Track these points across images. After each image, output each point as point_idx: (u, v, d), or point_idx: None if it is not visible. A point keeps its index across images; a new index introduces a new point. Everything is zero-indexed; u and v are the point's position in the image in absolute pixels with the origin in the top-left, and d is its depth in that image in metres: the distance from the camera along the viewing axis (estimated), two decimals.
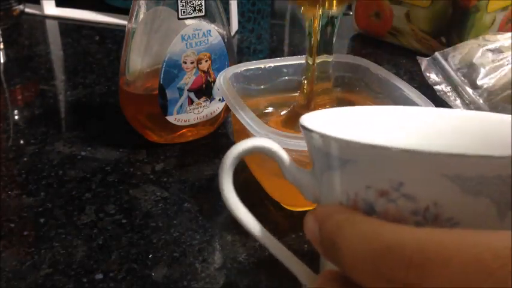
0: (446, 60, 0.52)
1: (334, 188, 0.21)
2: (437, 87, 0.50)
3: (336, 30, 0.38)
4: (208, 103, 0.45)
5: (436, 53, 0.53)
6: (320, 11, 0.36)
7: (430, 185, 0.18)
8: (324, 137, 0.20)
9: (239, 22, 0.74)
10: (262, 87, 0.44)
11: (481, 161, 0.17)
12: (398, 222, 0.18)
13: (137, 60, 0.43)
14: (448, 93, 0.50)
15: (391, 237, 0.17)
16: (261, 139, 0.24)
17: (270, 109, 0.44)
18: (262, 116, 0.42)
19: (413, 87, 0.40)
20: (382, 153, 0.18)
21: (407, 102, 0.39)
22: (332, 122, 0.26)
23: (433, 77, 0.51)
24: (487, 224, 0.18)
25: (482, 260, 0.15)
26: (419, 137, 0.27)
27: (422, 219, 0.19)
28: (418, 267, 0.16)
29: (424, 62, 0.53)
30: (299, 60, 0.45)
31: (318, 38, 0.38)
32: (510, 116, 0.25)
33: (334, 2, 0.36)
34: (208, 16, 0.42)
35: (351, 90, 0.45)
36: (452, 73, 0.51)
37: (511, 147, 0.24)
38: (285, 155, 0.24)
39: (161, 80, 0.42)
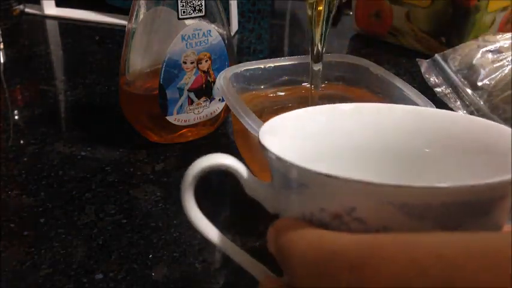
0: (446, 62, 0.52)
1: (291, 206, 0.22)
2: (437, 89, 0.50)
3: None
4: (208, 103, 0.45)
5: (436, 55, 0.53)
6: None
7: (379, 211, 0.19)
8: (280, 160, 0.21)
9: (239, 22, 0.74)
10: (262, 87, 0.44)
11: (425, 191, 0.18)
12: None
13: (137, 60, 0.43)
14: (448, 95, 0.50)
15: (335, 243, 0.18)
16: (219, 156, 0.24)
17: (270, 109, 0.44)
18: (262, 116, 0.42)
19: (413, 87, 0.40)
20: (333, 182, 0.19)
21: (407, 102, 0.39)
22: (294, 128, 0.27)
23: (433, 79, 0.51)
24: None
25: (416, 259, 0.16)
26: (387, 136, 0.28)
27: None
28: (358, 270, 0.17)
29: (424, 64, 0.53)
30: (299, 60, 0.45)
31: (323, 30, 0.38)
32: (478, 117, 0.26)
33: None
34: (208, 16, 0.42)
35: (351, 89, 0.45)
36: (452, 75, 0.51)
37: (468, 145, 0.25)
38: (243, 169, 0.24)
39: (161, 80, 0.42)
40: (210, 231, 0.26)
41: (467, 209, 0.18)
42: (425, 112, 0.27)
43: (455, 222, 0.18)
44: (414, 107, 0.29)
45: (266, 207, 0.25)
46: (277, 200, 0.24)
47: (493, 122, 0.25)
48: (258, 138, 0.23)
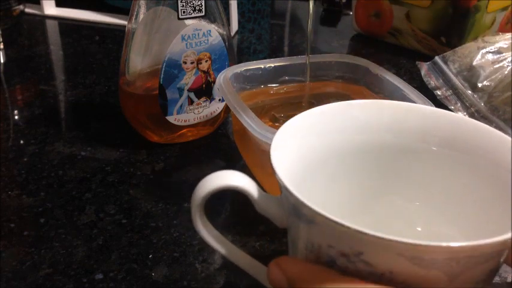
0: (446, 64, 0.52)
1: (299, 232, 0.22)
2: (437, 91, 0.51)
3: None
4: (208, 103, 0.45)
5: (436, 57, 0.53)
6: None
7: (386, 258, 0.19)
8: (291, 194, 0.21)
9: (239, 22, 0.74)
10: (262, 87, 0.44)
11: (433, 249, 0.18)
12: (355, 278, 0.20)
13: (137, 60, 0.43)
14: (448, 97, 0.50)
15: None
16: (228, 176, 0.24)
17: (269, 109, 0.44)
18: (262, 116, 0.42)
19: (413, 87, 0.40)
20: (343, 229, 0.19)
21: (407, 102, 0.39)
22: (305, 128, 0.26)
23: (433, 81, 0.51)
24: (437, 286, 0.20)
25: None
26: (391, 133, 0.28)
27: (378, 279, 0.20)
28: None
29: (423, 67, 0.53)
30: (299, 60, 0.45)
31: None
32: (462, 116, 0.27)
33: None
34: (208, 16, 0.42)
35: (351, 86, 0.45)
36: (452, 77, 0.51)
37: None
38: (253, 189, 0.24)
39: (161, 80, 0.42)
40: (226, 249, 0.26)
41: (472, 259, 0.19)
42: (437, 113, 0.28)
43: (460, 269, 0.19)
44: (430, 107, 0.29)
45: (276, 223, 0.24)
46: (286, 218, 0.23)
47: (497, 131, 0.26)
48: (270, 160, 0.23)
